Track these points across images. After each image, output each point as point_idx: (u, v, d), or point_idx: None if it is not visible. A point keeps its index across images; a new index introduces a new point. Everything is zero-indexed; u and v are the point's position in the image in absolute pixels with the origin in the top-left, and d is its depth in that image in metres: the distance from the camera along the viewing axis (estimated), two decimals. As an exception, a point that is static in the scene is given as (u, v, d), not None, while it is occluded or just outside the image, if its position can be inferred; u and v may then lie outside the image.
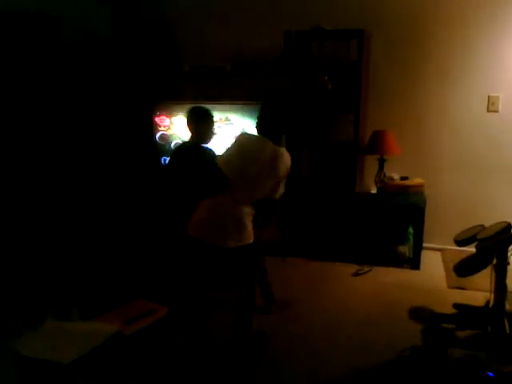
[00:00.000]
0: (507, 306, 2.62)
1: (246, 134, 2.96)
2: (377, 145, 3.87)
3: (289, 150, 2.72)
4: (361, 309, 3.13)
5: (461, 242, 2.80)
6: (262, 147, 2.65)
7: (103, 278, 3.47)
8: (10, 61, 3.46)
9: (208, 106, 4.11)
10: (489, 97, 3.83)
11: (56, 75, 3.78)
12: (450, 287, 3.43)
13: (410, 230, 3.87)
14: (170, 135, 4.07)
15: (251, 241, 2.66)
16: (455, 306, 3.00)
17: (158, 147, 4.06)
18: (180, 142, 3.91)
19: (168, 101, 4.02)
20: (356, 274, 3.67)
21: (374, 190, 4.04)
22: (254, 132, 2.79)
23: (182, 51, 4.36)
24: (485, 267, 2.56)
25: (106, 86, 4.17)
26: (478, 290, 3.13)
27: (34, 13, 3.55)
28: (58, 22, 3.75)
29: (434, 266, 3.80)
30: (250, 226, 2.65)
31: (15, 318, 2.62)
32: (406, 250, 3.92)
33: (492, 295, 2.63)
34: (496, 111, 3.83)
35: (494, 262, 2.56)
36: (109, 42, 4.21)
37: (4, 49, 3.42)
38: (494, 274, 2.59)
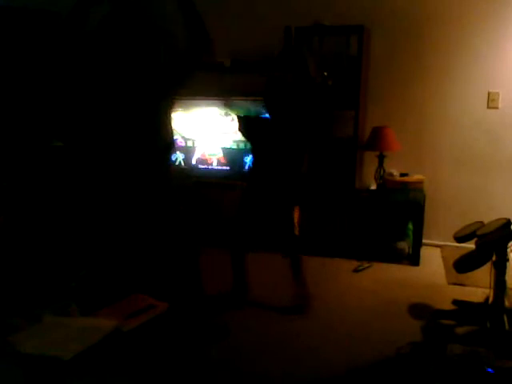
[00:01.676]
0: (506, 303, 2.62)
1: None
2: (376, 141, 3.86)
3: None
4: (360, 305, 3.13)
5: (460, 238, 2.80)
6: None
7: (103, 272, 3.47)
8: (10, 56, 3.46)
9: (207, 102, 4.11)
10: (489, 93, 3.82)
11: (55, 71, 3.77)
12: (449, 283, 3.43)
13: (410, 226, 3.87)
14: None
15: None
16: (455, 302, 3.00)
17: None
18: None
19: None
20: (356, 270, 3.67)
21: (373, 187, 4.04)
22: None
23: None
24: (484, 263, 2.57)
25: (106, 82, 4.15)
26: (478, 287, 3.14)
27: (33, 9, 3.55)
28: (57, 18, 3.74)
29: (434, 263, 3.80)
30: None
31: (13, 314, 2.61)
32: (405, 246, 3.92)
33: (491, 291, 2.63)
34: (496, 107, 3.83)
35: (494, 258, 2.56)
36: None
37: (3, 45, 3.42)
38: (493, 270, 2.59)
